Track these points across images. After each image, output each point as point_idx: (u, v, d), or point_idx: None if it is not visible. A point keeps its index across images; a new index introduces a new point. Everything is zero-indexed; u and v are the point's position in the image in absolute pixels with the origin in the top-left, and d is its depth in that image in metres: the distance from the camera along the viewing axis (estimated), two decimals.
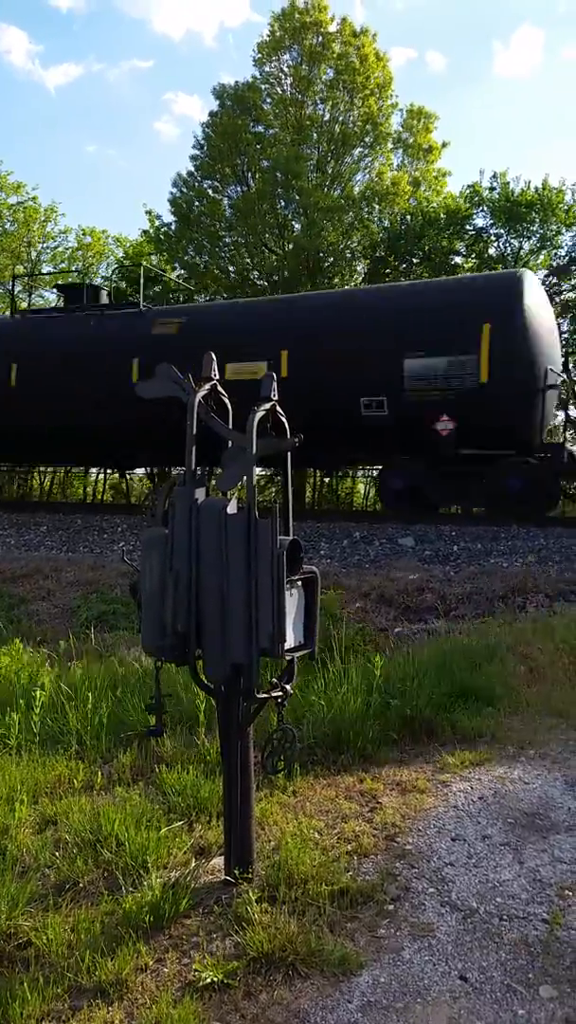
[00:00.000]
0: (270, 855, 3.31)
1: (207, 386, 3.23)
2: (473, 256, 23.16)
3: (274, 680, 3.26)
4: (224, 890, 3.10)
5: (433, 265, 22.52)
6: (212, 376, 3.26)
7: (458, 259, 23.45)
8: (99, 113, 66.62)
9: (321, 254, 23.36)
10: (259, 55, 24.39)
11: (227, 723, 3.17)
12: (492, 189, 22.50)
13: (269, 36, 24.19)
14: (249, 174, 24.26)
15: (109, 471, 21.87)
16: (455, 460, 12.25)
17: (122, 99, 66.36)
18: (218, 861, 3.30)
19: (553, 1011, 2.42)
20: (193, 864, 3.30)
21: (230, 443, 3.14)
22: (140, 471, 21.26)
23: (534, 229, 22.20)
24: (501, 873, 3.17)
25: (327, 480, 21.41)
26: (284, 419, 3.24)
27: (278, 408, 3.21)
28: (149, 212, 26.78)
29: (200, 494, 3.10)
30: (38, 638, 7.35)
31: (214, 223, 24.51)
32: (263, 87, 24.37)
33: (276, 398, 3.21)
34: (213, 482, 3.30)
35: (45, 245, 29.12)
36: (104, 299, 16.87)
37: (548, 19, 63.23)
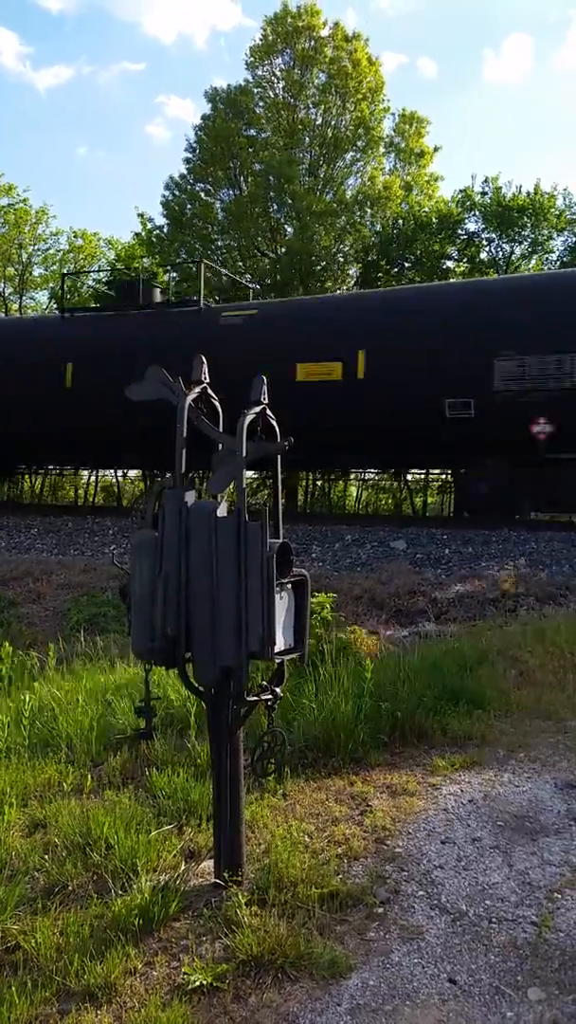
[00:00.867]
0: (260, 858, 3.30)
1: (197, 389, 3.23)
2: (465, 260, 23.26)
3: (264, 683, 3.26)
4: (214, 893, 3.09)
5: (425, 269, 22.61)
6: (203, 379, 3.26)
7: (450, 263, 23.55)
8: (90, 115, 66.82)
9: (313, 258, 23.42)
10: (251, 59, 24.54)
11: (217, 726, 3.16)
12: (484, 194, 22.66)
13: (261, 40, 24.34)
14: (241, 177, 24.34)
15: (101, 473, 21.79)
16: (545, 464, 11.65)
17: (113, 101, 66.55)
18: (208, 864, 3.29)
19: (541, 1013, 2.43)
20: (183, 867, 3.29)
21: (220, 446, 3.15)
22: (132, 472, 21.21)
23: (526, 234, 22.32)
24: (490, 876, 3.18)
25: (319, 483, 21.37)
26: (274, 422, 3.24)
27: (268, 412, 3.22)
28: (141, 215, 26.89)
29: (190, 497, 3.10)
30: (28, 641, 7.33)
31: (206, 226, 24.56)
32: (255, 91, 24.49)
33: (266, 401, 3.22)
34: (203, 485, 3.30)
35: (36, 247, 29.16)
36: (158, 297, 16.06)
37: (538, 27, 63.82)
